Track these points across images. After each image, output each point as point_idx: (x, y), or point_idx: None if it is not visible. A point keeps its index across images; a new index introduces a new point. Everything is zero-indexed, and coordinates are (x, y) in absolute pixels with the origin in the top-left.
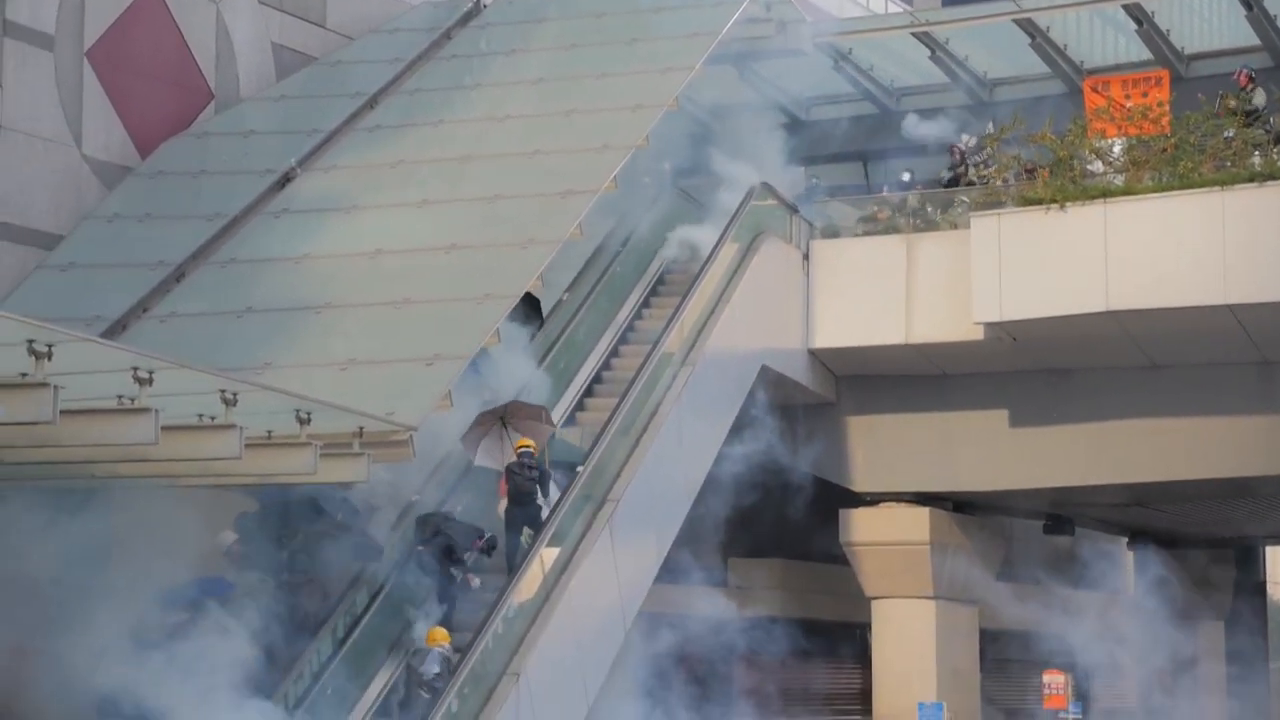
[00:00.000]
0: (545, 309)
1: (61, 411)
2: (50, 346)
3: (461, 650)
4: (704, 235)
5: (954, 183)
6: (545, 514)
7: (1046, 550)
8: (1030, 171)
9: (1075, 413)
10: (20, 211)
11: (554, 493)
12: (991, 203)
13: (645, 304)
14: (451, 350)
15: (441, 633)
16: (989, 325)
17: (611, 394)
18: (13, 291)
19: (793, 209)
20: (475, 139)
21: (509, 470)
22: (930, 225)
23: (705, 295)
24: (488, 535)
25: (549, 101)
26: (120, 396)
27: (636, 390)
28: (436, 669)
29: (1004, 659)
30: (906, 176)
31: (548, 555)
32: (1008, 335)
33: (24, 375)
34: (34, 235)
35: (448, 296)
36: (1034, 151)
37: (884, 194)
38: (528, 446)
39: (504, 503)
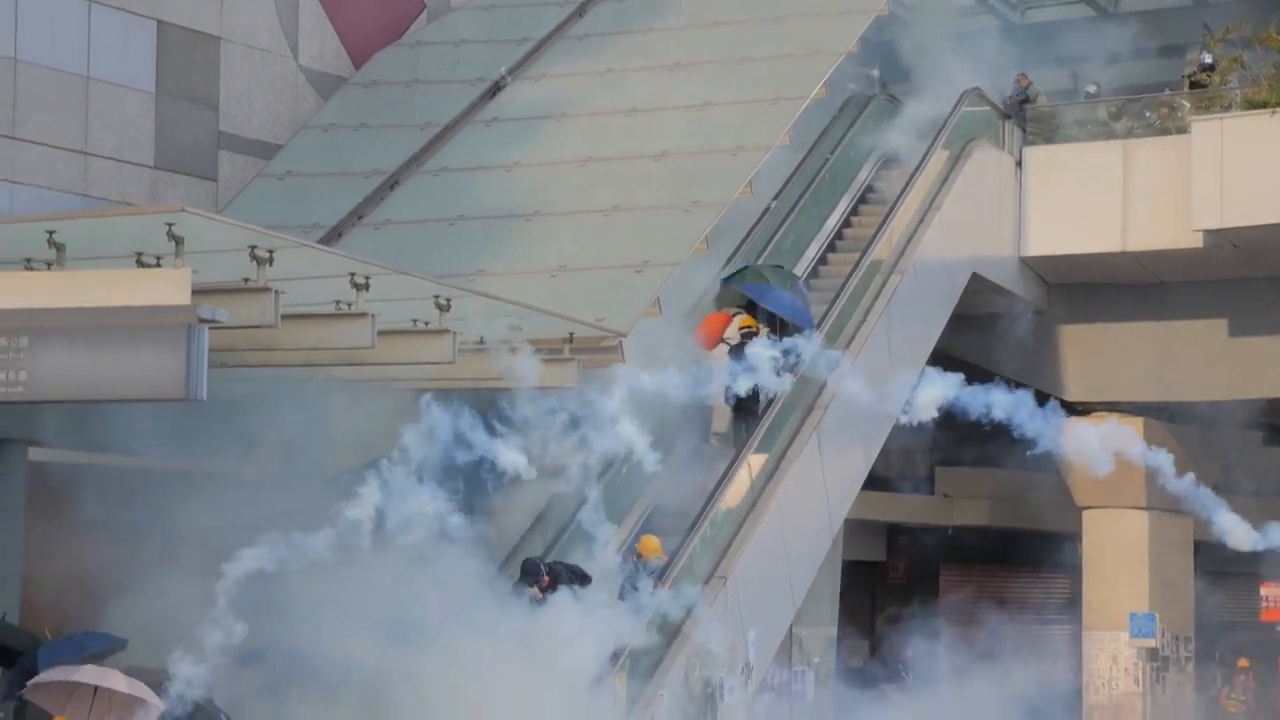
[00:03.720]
0: (753, 217)
1: (282, 316)
2: (271, 252)
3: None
4: (914, 142)
5: (1196, 86)
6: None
7: (1265, 462)
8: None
9: None
10: (240, 122)
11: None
12: (1213, 107)
13: (854, 211)
14: (661, 258)
15: (654, 543)
16: (1209, 232)
17: (820, 301)
18: (234, 199)
19: (1005, 115)
20: (683, 47)
21: (733, 355)
22: (1148, 130)
23: (915, 203)
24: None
25: (757, 8)
26: (338, 301)
27: (844, 298)
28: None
29: (1219, 571)
30: (1093, 89)
31: (755, 461)
32: (1229, 242)
33: (246, 280)
34: (253, 145)
35: (657, 204)
36: (1258, 54)
37: (1099, 98)
38: (750, 326)
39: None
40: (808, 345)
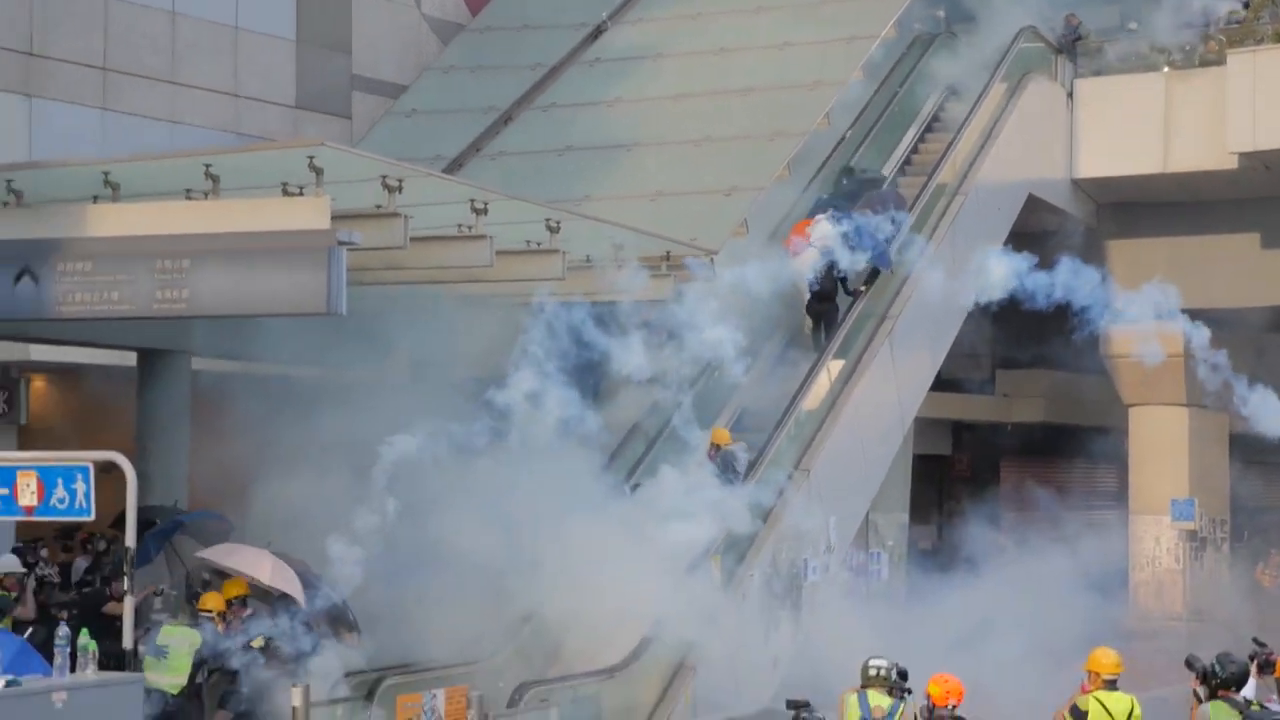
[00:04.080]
0: (830, 145)
1: (410, 238)
2: (400, 181)
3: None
4: (975, 76)
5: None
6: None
7: None
8: None
9: None
10: (371, 65)
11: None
12: (1246, 40)
13: (921, 139)
14: (747, 183)
15: (723, 433)
16: (1243, 154)
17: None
18: (366, 134)
19: (1058, 50)
20: None
21: (804, 257)
22: (1188, 63)
23: (976, 131)
24: None
25: None
26: (460, 225)
27: (912, 218)
28: (745, 456)
29: (1251, 461)
30: (1134, 26)
31: (834, 366)
32: (1261, 164)
33: (379, 206)
34: (383, 86)
35: (743, 134)
36: None
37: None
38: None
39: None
40: (875, 220)
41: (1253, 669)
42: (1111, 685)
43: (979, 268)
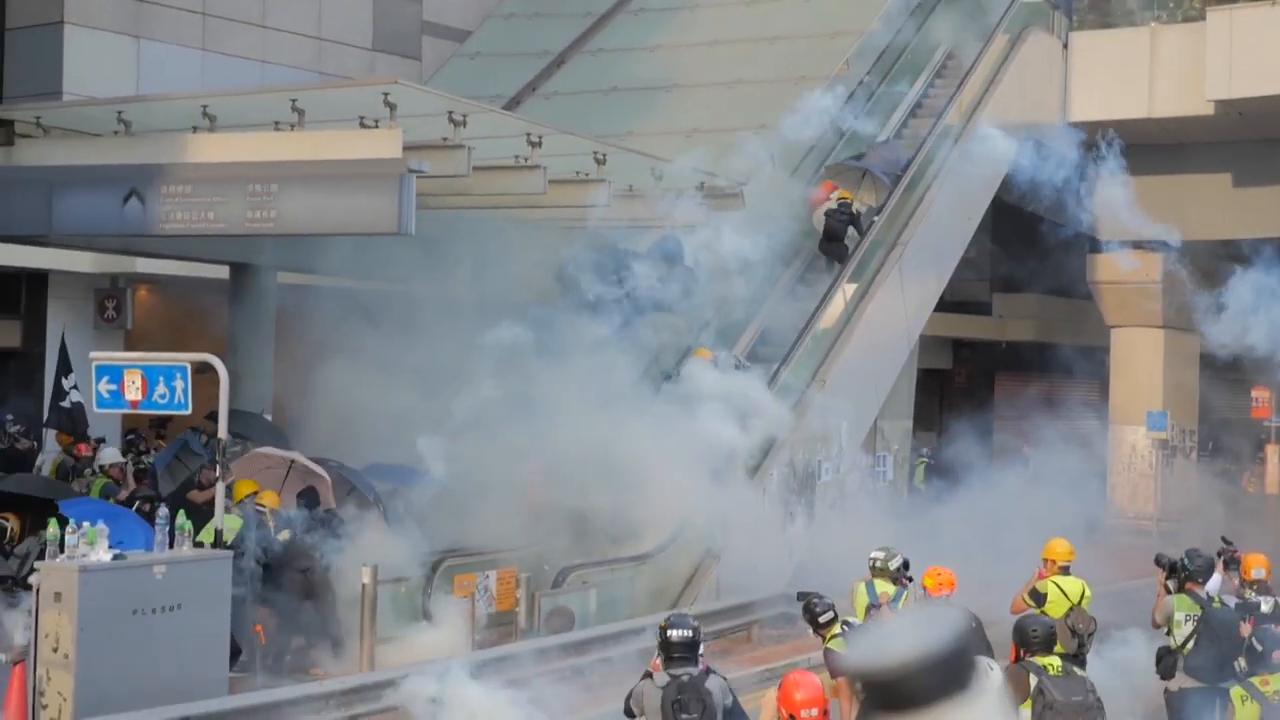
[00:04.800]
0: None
1: (473, 167)
2: (464, 116)
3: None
4: (980, 28)
5: None
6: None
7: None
8: None
9: None
10: (439, 12)
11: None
12: None
13: (930, 85)
14: (774, 121)
15: (704, 350)
16: (1220, 102)
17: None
18: (434, 74)
19: (1054, 5)
20: None
21: (827, 214)
22: (1171, 18)
23: (980, 78)
24: None
25: None
26: (516, 156)
27: (921, 155)
28: (729, 363)
29: (1219, 378)
30: None
31: (848, 289)
32: (1235, 110)
33: (445, 139)
34: (450, 31)
35: (771, 78)
36: None
37: None
38: (845, 198)
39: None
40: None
41: (1219, 565)
42: (1065, 571)
43: (967, 227)
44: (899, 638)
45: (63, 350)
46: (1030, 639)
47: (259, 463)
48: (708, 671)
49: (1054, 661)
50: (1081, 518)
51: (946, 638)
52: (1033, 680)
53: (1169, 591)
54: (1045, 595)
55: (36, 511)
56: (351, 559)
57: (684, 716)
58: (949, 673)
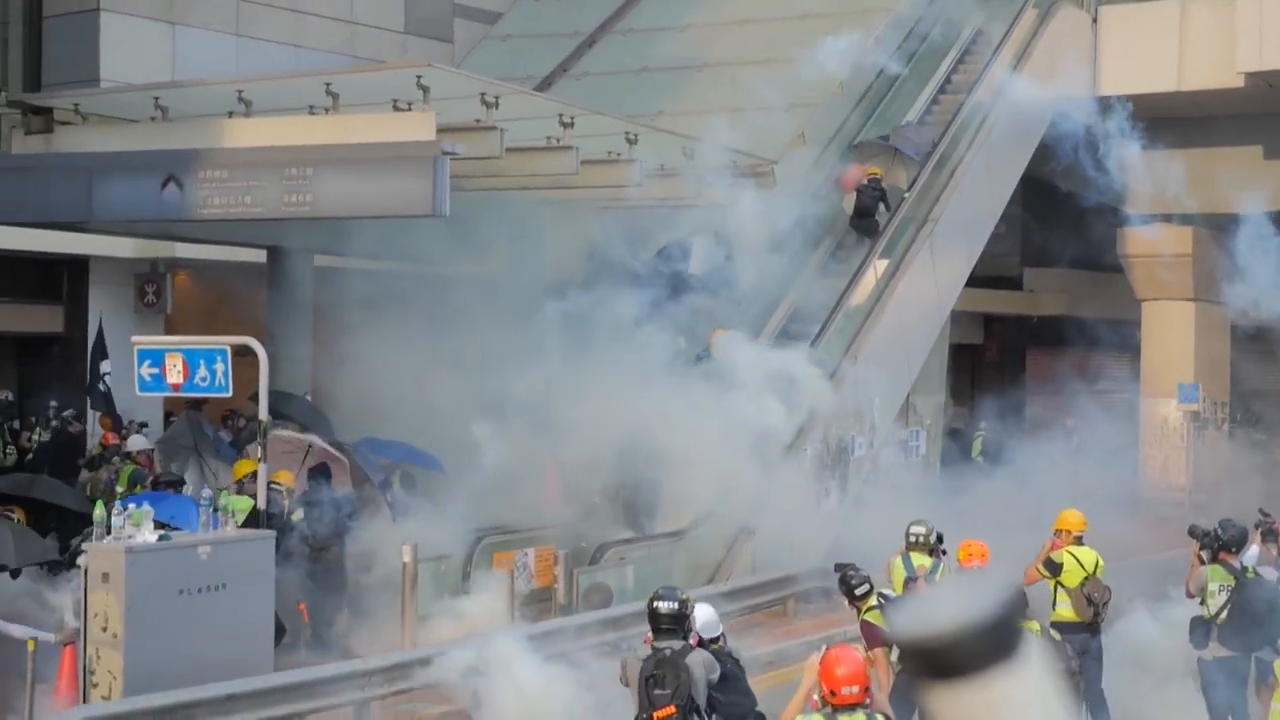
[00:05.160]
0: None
1: (505, 149)
2: (497, 98)
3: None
4: (1008, 3)
5: None
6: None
7: None
8: None
9: None
10: None
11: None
12: None
13: (960, 60)
14: (805, 99)
15: (720, 330)
16: (1250, 74)
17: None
18: (466, 56)
19: None
20: None
21: (858, 190)
22: None
23: (1009, 52)
24: None
25: None
26: (549, 137)
27: (953, 130)
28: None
29: (1249, 350)
30: None
31: (880, 265)
32: (1265, 83)
33: (478, 121)
34: (481, 13)
35: (801, 57)
36: None
37: None
38: (875, 174)
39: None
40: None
41: (1255, 537)
42: (1079, 541)
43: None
44: (946, 606)
45: (99, 335)
46: (854, 593)
47: (278, 446)
48: (691, 646)
49: (1034, 626)
50: (1119, 490)
51: (993, 605)
52: None
53: (1203, 562)
54: (1061, 565)
55: (43, 507)
56: (381, 539)
57: (657, 691)
58: (997, 640)
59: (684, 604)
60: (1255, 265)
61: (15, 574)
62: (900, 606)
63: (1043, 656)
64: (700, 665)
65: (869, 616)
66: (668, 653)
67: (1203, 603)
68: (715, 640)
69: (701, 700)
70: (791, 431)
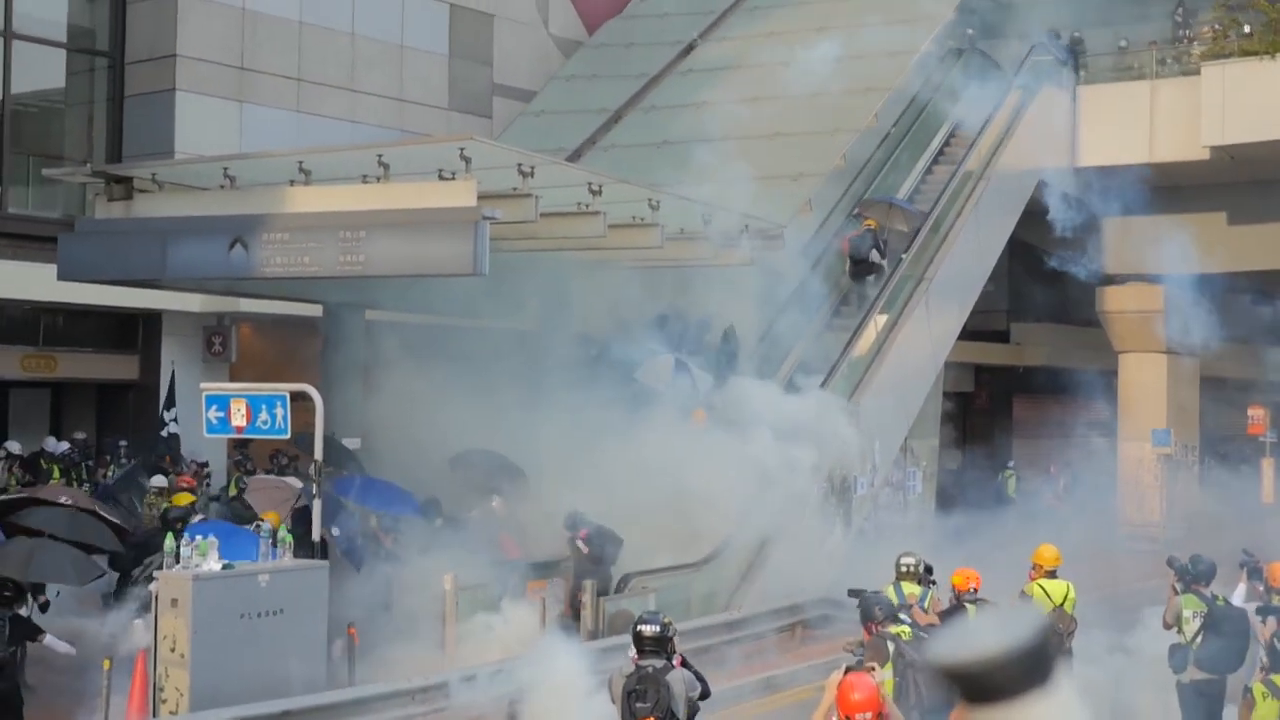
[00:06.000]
0: (878, 139)
1: (540, 214)
2: (532, 168)
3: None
4: (996, 83)
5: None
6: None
7: (1252, 317)
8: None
9: (1278, 212)
10: (507, 75)
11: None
12: (1217, 54)
13: (952, 134)
14: (811, 170)
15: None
16: (1214, 148)
17: (925, 202)
18: (504, 131)
19: (1062, 62)
20: (824, 15)
21: (853, 240)
22: (1169, 73)
23: (997, 127)
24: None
25: None
26: (579, 203)
27: (944, 198)
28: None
29: (1218, 398)
30: (1124, 43)
31: (880, 320)
32: (1228, 155)
33: (514, 189)
34: (517, 92)
35: (809, 130)
36: (1250, 15)
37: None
38: (870, 225)
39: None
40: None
41: (1242, 575)
42: (1051, 575)
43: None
44: (986, 634)
45: (171, 386)
46: (876, 615)
47: (272, 490)
48: (673, 665)
49: (904, 629)
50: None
51: (1030, 632)
52: (890, 646)
53: (1177, 592)
54: (1031, 597)
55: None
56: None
57: (638, 705)
58: (1034, 666)
59: (665, 627)
60: (1219, 320)
61: (44, 607)
62: (941, 634)
63: (1071, 683)
64: (680, 682)
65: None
66: (650, 669)
67: (1179, 630)
68: (660, 641)
69: (682, 715)
70: (810, 471)
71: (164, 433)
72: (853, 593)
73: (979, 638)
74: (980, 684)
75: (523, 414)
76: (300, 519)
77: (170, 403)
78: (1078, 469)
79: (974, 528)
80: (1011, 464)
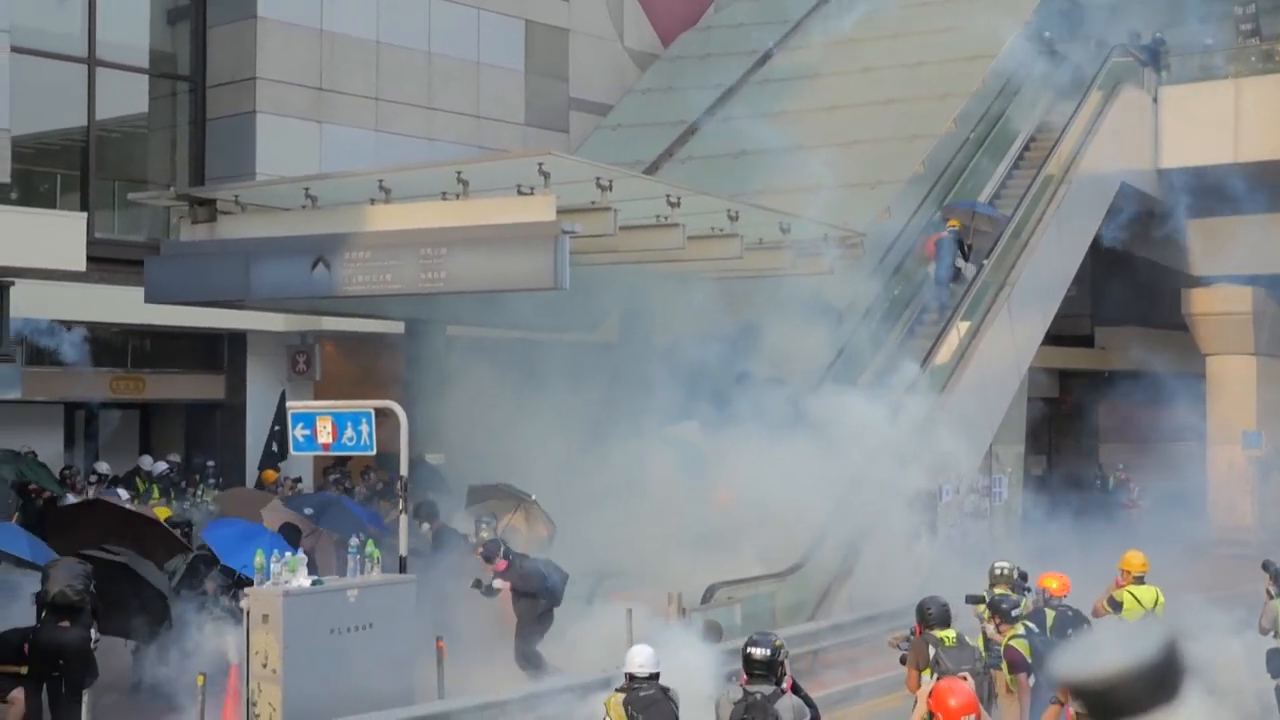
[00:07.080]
0: (958, 144)
1: (619, 227)
2: (610, 182)
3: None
4: (1077, 86)
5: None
6: (968, 271)
7: None
8: None
9: None
10: (584, 89)
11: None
12: None
13: (1032, 139)
14: (890, 177)
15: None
16: None
17: (1007, 206)
18: (581, 145)
19: (1144, 63)
20: (904, 21)
21: (938, 242)
22: (1254, 71)
23: (1077, 130)
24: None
25: None
26: (658, 216)
27: (1025, 203)
28: None
29: None
30: (1209, 41)
31: (962, 326)
32: None
33: (593, 202)
34: (594, 106)
35: (886, 137)
36: None
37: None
38: (954, 226)
39: (931, 265)
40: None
41: None
42: (1140, 580)
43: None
44: (1113, 649)
45: (281, 402)
46: (927, 616)
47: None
48: (783, 691)
49: (950, 634)
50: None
51: (1158, 648)
52: (930, 650)
53: (1271, 597)
54: (1122, 604)
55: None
56: None
57: None
58: (1162, 682)
59: (776, 650)
60: None
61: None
62: (1070, 650)
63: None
64: (790, 710)
65: (1014, 644)
66: (758, 697)
67: (1275, 635)
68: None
69: None
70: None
71: (274, 447)
72: (970, 599)
73: (1108, 652)
74: (1107, 701)
75: (599, 425)
76: (287, 535)
77: (280, 419)
78: (1150, 475)
79: (1062, 534)
80: (1121, 465)
